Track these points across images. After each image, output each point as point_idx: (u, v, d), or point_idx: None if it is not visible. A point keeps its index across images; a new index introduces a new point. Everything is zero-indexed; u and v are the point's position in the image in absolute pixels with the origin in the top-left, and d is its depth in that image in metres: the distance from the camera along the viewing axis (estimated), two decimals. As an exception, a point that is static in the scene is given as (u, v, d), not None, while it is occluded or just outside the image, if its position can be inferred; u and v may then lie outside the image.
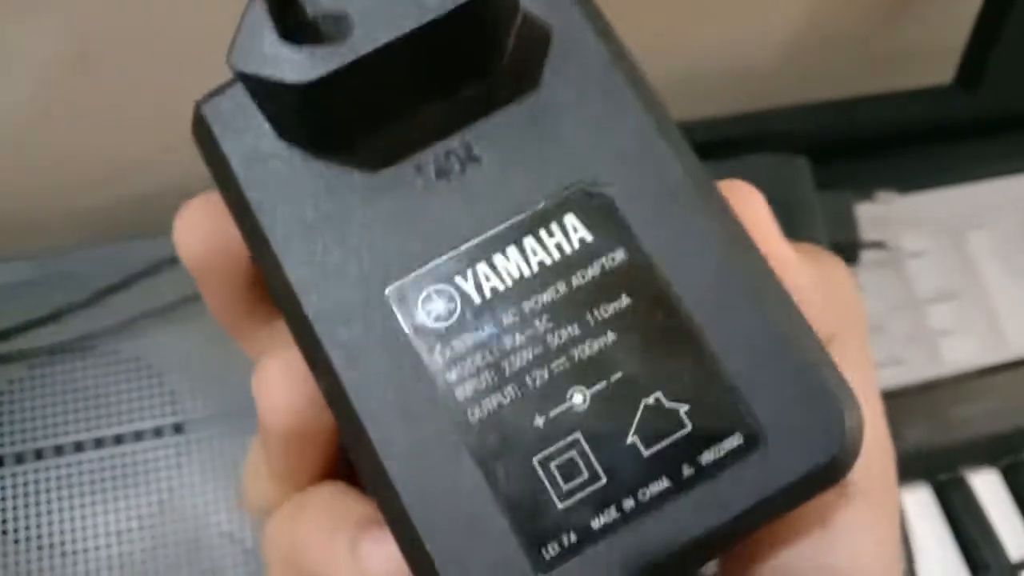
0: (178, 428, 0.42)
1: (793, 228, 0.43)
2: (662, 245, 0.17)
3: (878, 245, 0.46)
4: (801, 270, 0.19)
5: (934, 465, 0.47)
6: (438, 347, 0.17)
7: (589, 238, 0.17)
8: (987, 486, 0.47)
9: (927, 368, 0.47)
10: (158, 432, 0.42)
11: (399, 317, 0.17)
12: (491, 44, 0.17)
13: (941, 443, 0.47)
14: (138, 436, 0.42)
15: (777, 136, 0.48)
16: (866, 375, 0.20)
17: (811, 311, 0.17)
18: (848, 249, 0.45)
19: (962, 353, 0.47)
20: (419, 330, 0.17)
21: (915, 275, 0.48)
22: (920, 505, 0.47)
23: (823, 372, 0.17)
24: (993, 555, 0.46)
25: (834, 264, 0.21)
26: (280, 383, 0.18)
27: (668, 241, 0.17)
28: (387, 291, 0.17)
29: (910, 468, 0.47)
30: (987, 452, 0.48)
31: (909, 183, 0.50)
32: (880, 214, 0.47)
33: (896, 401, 0.46)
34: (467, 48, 0.17)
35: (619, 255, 0.17)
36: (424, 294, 0.17)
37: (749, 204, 0.19)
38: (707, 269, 0.17)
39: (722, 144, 0.46)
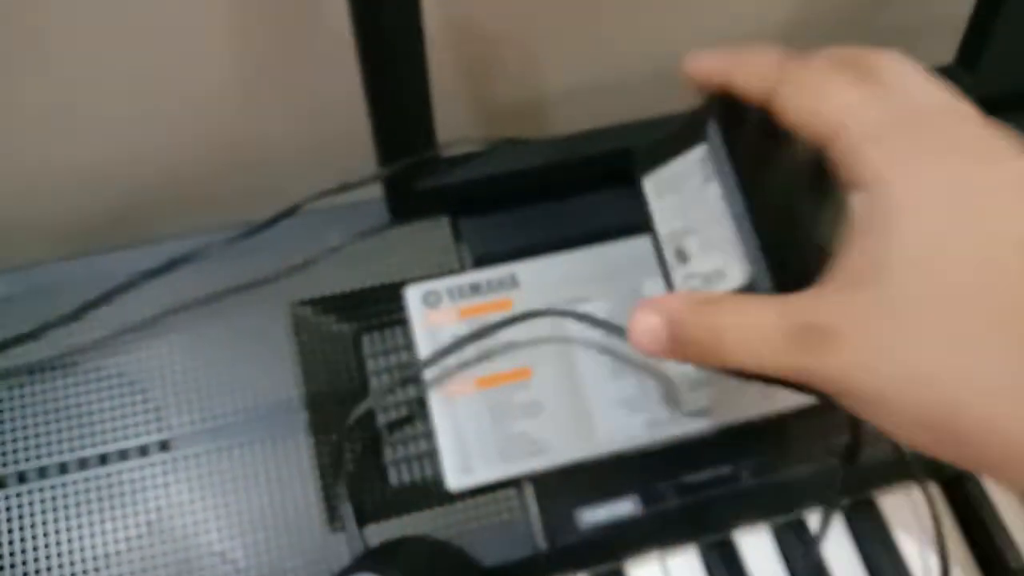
0: (164, 445, 0.41)
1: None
2: None
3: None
4: None
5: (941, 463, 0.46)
6: None
7: None
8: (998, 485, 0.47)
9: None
10: (144, 450, 0.41)
11: None
12: None
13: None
14: (123, 455, 0.41)
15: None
16: None
17: None
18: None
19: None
20: None
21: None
22: (919, 506, 0.46)
23: None
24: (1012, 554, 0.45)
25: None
26: None
27: None
28: None
29: (914, 467, 0.46)
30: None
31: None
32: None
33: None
34: None
35: None
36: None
37: None
38: None
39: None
